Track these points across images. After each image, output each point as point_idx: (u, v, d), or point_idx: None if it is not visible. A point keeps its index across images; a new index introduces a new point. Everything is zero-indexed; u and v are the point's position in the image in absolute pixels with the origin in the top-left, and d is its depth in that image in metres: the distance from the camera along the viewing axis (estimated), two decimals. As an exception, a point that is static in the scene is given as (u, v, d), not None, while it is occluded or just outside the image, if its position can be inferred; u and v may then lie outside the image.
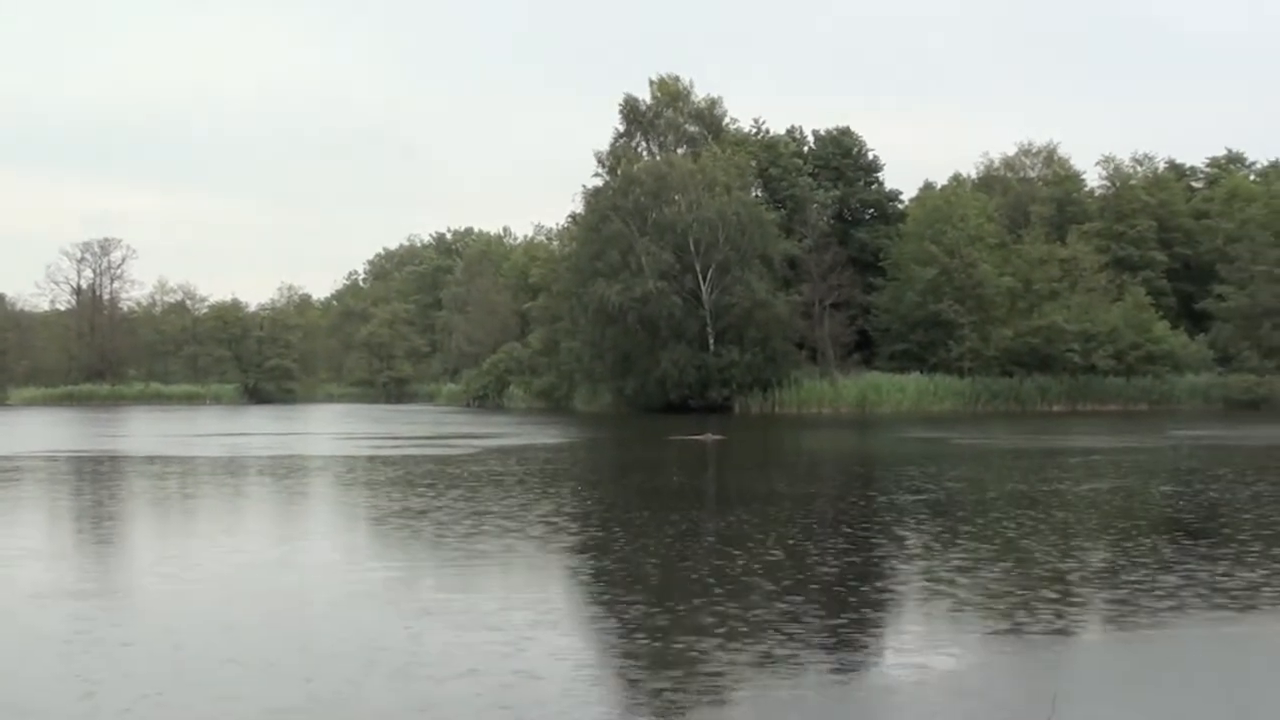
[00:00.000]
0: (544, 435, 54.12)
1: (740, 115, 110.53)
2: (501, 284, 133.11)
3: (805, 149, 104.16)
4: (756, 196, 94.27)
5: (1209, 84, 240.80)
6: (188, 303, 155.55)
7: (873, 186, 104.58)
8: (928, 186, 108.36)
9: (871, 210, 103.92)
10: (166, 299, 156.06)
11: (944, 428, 59.83)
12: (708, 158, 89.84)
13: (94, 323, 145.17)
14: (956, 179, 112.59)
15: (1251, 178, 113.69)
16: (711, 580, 15.23)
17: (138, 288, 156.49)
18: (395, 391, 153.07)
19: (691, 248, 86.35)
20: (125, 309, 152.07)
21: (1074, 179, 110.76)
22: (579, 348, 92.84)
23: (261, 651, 11.80)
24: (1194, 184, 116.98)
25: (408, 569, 16.69)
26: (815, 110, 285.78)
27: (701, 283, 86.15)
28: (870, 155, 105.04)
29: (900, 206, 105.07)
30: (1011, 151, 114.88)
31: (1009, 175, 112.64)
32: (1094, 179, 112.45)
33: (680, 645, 11.66)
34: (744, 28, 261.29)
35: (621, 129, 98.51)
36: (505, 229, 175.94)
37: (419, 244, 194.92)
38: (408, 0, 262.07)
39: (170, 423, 72.66)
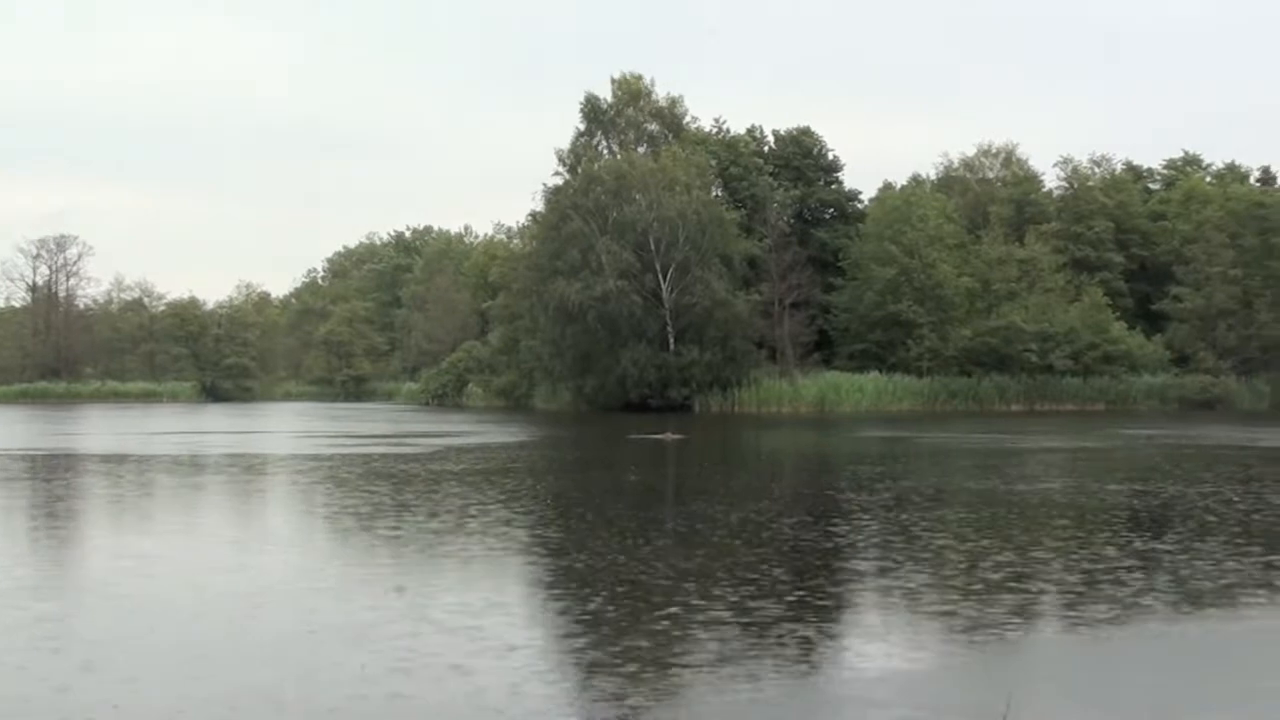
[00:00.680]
0: (503, 434, 54.05)
1: (701, 114, 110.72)
2: (461, 282, 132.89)
3: (765, 148, 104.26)
4: (717, 196, 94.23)
5: (1166, 87, 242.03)
6: (145, 300, 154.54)
7: (832, 186, 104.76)
8: (887, 187, 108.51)
9: (831, 210, 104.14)
10: (123, 296, 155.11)
11: (902, 427, 60.03)
12: (668, 157, 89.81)
13: (50, 320, 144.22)
14: (916, 179, 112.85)
15: (1208, 180, 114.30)
16: (668, 579, 15.25)
17: (94, 285, 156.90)
18: (354, 390, 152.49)
19: (652, 247, 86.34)
20: (82, 306, 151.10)
21: (1032, 180, 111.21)
22: (539, 346, 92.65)
23: (208, 648, 11.77)
24: (1151, 186, 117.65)
25: (364, 566, 16.68)
26: (775, 110, 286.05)
27: (662, 282, 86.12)
28: (830, 155, 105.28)
29: (860, 206, 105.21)
30: (970, 152, 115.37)
31: (968, 176, 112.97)
32: (1052, 180, 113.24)
33: (637, 645, 11.68)
34: (705, 27, 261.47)
35: (582, 128, 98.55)
36: (465, 227, 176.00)
37: (378, 242, 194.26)
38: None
39: (127, 421, 72.21)
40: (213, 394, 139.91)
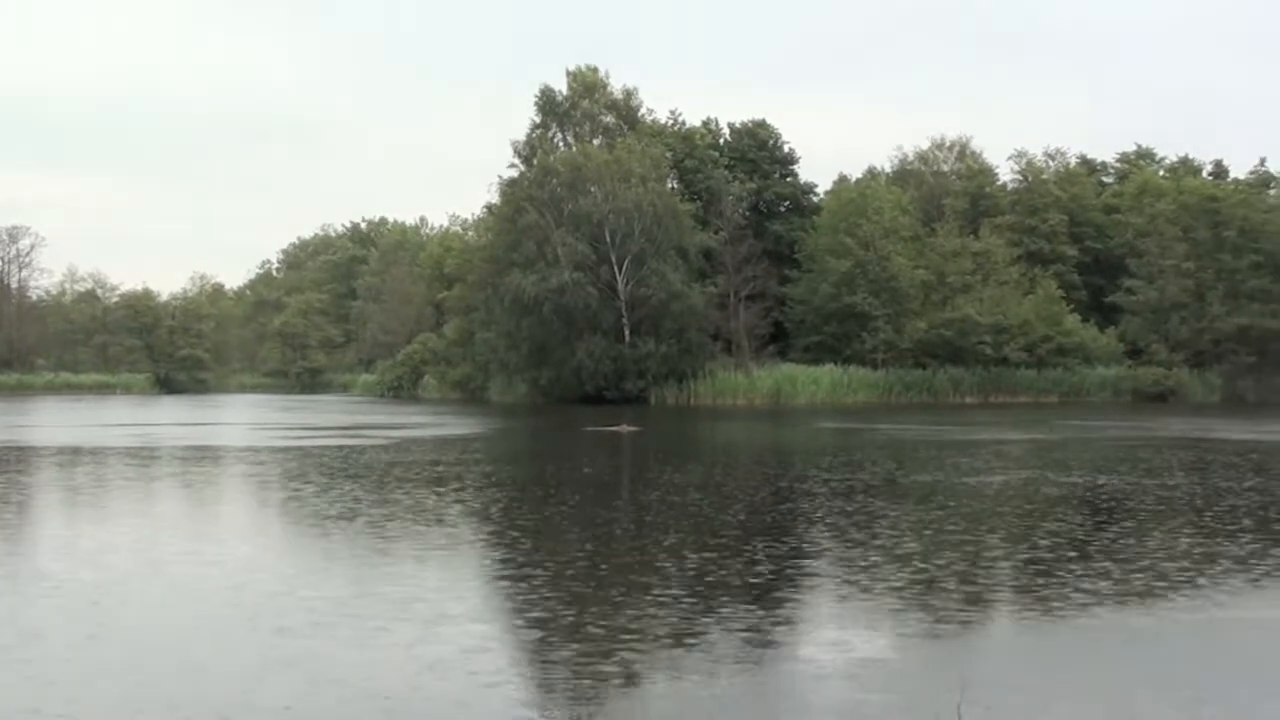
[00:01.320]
0: (458, 426, 53.98)
1: (656, 106, 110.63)
2: (417, 274, 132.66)
3: (721, 141, 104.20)
4: (672, 188, 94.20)
5: (1120, 81, 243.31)
6: (98, 291, 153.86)
7: (788, 179, 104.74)
8: (842, 180, 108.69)
9: (787, 203, 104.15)
10: (76, 288, 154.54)
11: (857, 419, 60.19)
12: (623, 149, 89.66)
13: (1, 311, 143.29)
14: (871, 172, 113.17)
15: (1161, 173, 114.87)
16: (624, 569, 15.30)
17: (47, 276, 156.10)
18: (309, 382, 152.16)
19: (607, 239, 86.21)
20: (34, 298, 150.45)
21: (987, 173, 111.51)
22: (494, 338, 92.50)
23: (158, 648, 11.74)
24: (1104, 179, 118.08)
25: (320, 559, 16.65)
26: (731, 102, 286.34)
27: (617, 274, 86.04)
28: (786, 148, 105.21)
29: (815, 199, 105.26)
30: (925, 146, 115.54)
31: (923, 169, 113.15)
32: (1006, 173, 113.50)
33: (592, 634, 11.70)
34: (661, 19, 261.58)
35: (538, 120, 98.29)
36: (421, 219, 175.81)
37: (333, 233, 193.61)
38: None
39: (80, 413, 71.76)
40: (167, 386, 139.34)
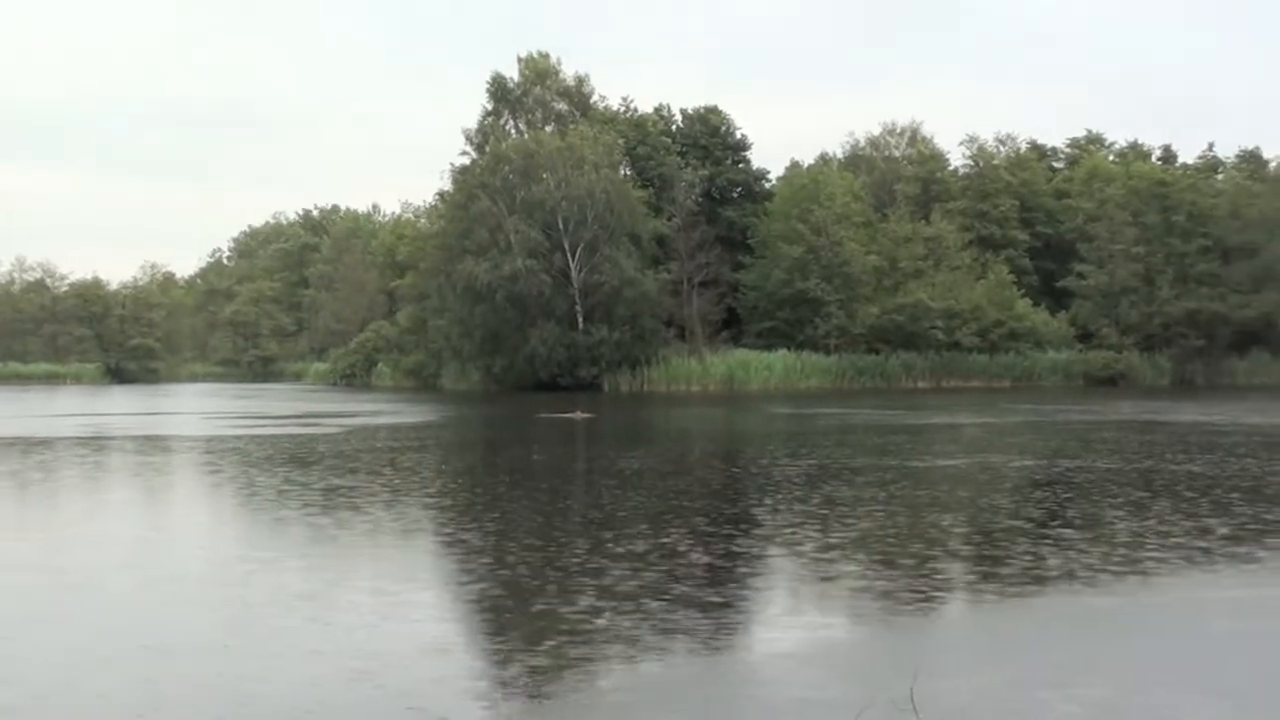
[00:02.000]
0: (411, 414, 53.87)
1: (608, 93, 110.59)
2: (369, 262, 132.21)
3: (673, 127, 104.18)
4: (625, 175, 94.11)
5: (1070, 66, 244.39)
6: (47, 281, 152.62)
7: (740, 165, 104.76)
8: (795, 165, 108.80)
9: (739, 189, 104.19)
10: (25, 277, 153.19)
11: (810, 404, 60.34)
12: (576, 136, 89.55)
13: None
14: (823, 158, 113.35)
15: (1111, 158, 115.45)
16: (575, 555, 15.30)
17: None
18: (261, 371, 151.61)
19: (560, 226, 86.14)
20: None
21: (938, 158, 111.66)
22: (447, 326, 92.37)
23: (110, 635, 11.72)
24: (1055, 164, 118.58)
25: (272, 548, 16.56)
26: (682, 89, 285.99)
27: (570, 261, 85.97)
28: (738, 134, 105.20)
29: (768, 185, 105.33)
30: (876, 131, 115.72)
31: (874, 155, 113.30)
32: (958, 159, 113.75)
33: (547, 623, 11.71)
34: (613, 4, 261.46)
35: (490, 107, 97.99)
36: (374, 206, 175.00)
37: (285, 222, 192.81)
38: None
39: (28, 403, 71.32)
40: (117, 375, 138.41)
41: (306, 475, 25.56)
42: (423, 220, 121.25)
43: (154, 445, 36.48)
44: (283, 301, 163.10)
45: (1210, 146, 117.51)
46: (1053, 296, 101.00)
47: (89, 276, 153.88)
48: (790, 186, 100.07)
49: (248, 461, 29.77)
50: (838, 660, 10.48)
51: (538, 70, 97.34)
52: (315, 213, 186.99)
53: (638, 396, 77.95)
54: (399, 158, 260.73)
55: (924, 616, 12.25)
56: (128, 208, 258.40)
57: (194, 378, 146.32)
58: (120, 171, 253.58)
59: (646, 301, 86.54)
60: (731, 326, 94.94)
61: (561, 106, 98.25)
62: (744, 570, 14.64)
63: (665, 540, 16.60)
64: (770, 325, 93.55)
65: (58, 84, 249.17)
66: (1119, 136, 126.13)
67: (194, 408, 64.09)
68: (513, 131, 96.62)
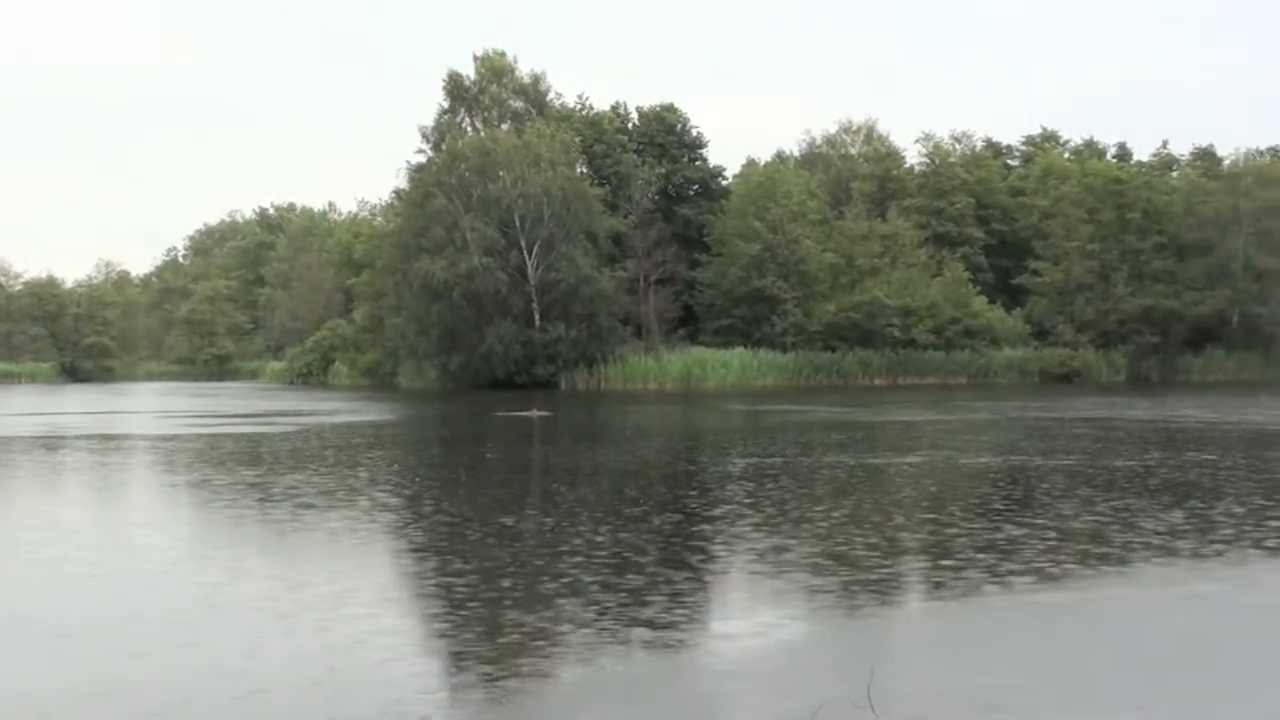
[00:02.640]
0: (367, 412, 53.75)
1: (565, 91, 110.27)
2: (325, 260, 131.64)
3: (629, 125, 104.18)
4: (581, 173, 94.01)
5: (1026, 64, 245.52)
6: (1, 279, 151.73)
7: (697, 163, 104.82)
8: (751, 163, 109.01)
9: (695, 187, 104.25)
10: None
11: (767, 401, 60.44)
12: (532, 133, 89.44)
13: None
14: (779, 156, 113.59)
15: (1066, 156, 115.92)
16: (532, 554, 15.28)
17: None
18: (217, 369, 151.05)
19: (517, 224, 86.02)
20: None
21: (894, 156, 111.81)
22: (404, 324, 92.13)
23: (71, 635, 11.64)
24: (1010, 162, 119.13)
25: (228, 550, 16.48)
26: (638, 87, 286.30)
27: (527, 259, 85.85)
28: (694, 132, 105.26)
29: (724, 183, 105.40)
30: (832, 129, 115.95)
31: (830, 152, 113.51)
32: (913, 156, 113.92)
33: (503, 623, 11.68)
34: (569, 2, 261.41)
35: (446, 105, 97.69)
36: (330, 204, 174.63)
37: (241, 219, 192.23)
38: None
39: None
40: (73, 374, 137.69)
41: (254, 474, 25.44)
42: (379, 218, 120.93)
43: (109, 445, 36.22)
44: (239, 300, 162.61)
45: (1165, 144, 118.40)
46: (1008, 294, 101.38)
47: (43, 275, 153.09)
48: (746, 184, 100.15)
49: (200, 460, 29.65)
50: (795, 658, 10.48)
51: (494, 68, 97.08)
52: (271, 211, 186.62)
53: (594, 394, 77.91)
54: (355, 156, 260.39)
55: (881, 614, 12.28)
56: (82, 206, 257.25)
57: (149, 377, 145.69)
58: (74, 170, 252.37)
59: (603, 299, 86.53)
60: (688, 324, 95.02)
61: (518, 104, 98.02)
62: (699, 568, 14.63)
63: (621, 538, 16.58)
64: (727, 323, 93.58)
65: (8, 81, 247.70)
66: (1074, 134, 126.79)
67: (149, 407, 63.75)
68: (469, 129, 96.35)
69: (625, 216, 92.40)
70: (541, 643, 10.85)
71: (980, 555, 15.02)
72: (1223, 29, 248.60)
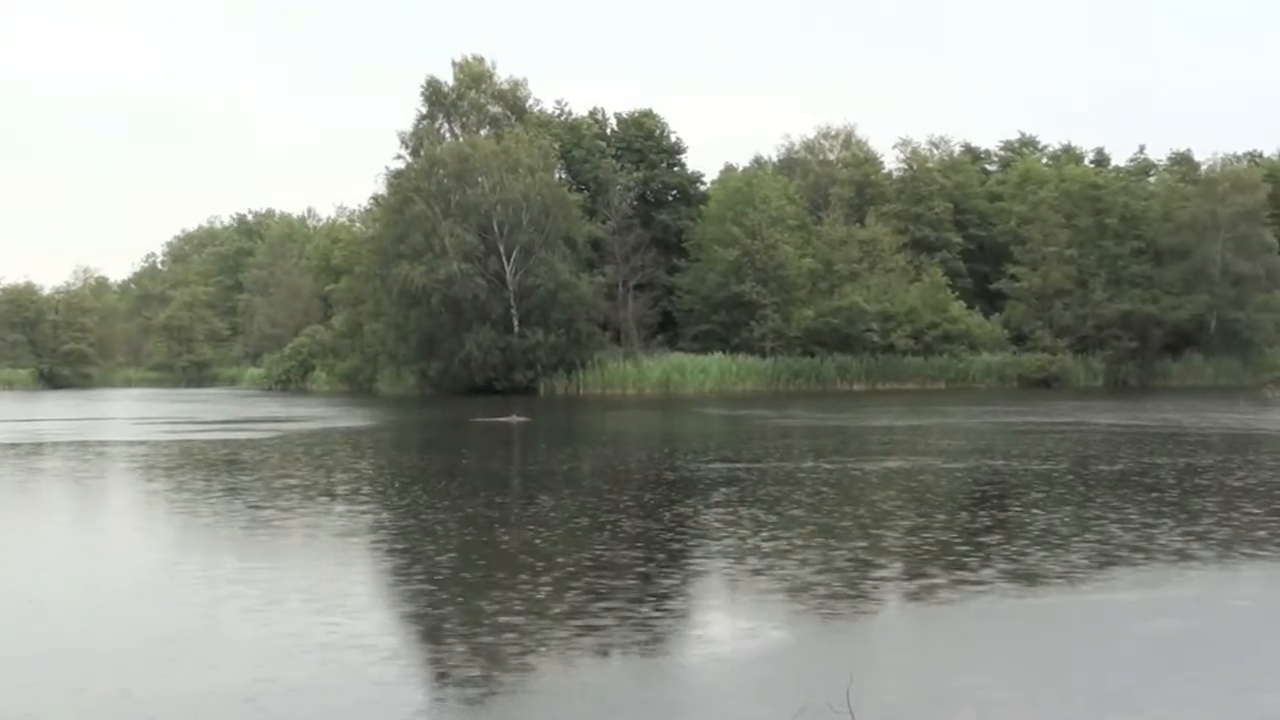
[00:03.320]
0: (346, 419, 53.63)
1: (543, 97, 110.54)
2: (304, 266, 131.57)
3: (608, 131, 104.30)
4: (560, 178, 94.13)
5: (1003, 70, 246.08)
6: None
7: (675, 169, 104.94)
8: (729, 169, 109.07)
9: (674, 192, 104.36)
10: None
11: (746, 407, 60.49)
12: (511, 139, 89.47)
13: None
14: (757, 161, 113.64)
15: (1044, 161, 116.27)
16: (511, 559, 15.26)
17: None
18: (196, 375, 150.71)
19: (495, 229, 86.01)
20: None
21: (872, 161, 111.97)
22: (383, 330, 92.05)
23: (45, 640, 11.60)
24: (988, 167, 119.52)
25: (206, 555, 16.45)
26: (617, 92, 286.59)
27: (505, 264, 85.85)
28: (673, 138, 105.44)
29: (702, 188, 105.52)
30: (811, 134, 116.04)
31: (809, 158, 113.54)
32: (892, 162, 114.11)
33: (483, 629, 11.65)
34: (547, 8, 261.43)
35: (424, 110, 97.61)
36: (309, 210, 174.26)
37: (219, 225, 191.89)
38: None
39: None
40: (50, 381, 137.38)
41: (237, 480, 25.38)
42: (358, 224, 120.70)
43: (88, 451, 36.10)
44: (217, 306, 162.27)
45: (1142, 149, 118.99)
46: (986, 299, 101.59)
47: (21, 282, 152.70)
48: (725, 190, 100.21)
49: (177, 466, 29.56)
50: (773, 662, 10.49)
51: (472, 74, 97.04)
52: (250, 217, 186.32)
53: (574, 400, 77.91)
54: (333, 162, 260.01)
55: (860, 618, 12.29)
56: (59, 212, 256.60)
57: (128, 383, 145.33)
58: (52, 176, 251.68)
59: (582, 305, 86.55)
60: (667, 330, 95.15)
61: (496, 110, 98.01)
62: (679, 572, 14.63)
63: (599, 544, 16.57)
64: (706, 328, 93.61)
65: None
66: (1052, 139, 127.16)
67: (129, 413, 63.55)
68: (448, 135, 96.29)
69: (604, 222, 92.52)
70: (521, 648, 10.82)
71: (959, 559, 15.05)
72: (1201, 34, 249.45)
